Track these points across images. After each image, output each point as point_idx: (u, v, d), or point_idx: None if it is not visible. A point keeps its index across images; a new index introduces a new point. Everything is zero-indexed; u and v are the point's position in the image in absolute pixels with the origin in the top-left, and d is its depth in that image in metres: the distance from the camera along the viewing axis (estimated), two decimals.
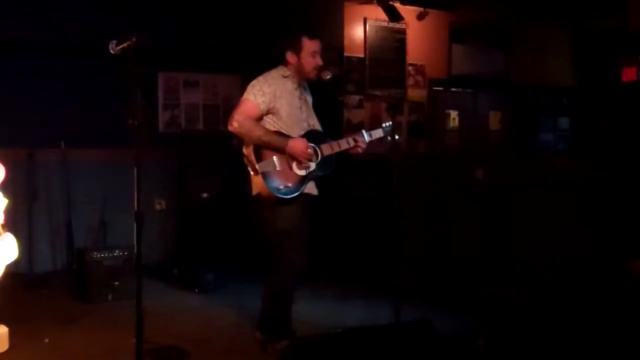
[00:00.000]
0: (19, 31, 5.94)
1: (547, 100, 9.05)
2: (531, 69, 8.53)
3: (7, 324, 4.10)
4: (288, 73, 3.99)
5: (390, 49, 7.51)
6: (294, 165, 3.88)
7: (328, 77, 4.01)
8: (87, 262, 5.22)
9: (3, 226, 4.08)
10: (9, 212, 4.25)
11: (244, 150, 3.91)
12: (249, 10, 6.77)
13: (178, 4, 6.57)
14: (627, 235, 4.38)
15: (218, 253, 6.29)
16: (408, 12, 7.37)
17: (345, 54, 7.18)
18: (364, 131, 4.14)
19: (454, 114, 8.17)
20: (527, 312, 4.68)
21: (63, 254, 6.23)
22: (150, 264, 5.86)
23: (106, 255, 5.27)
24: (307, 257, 3.94)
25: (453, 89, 8.16)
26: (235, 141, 4.38)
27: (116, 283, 5.23)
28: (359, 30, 7.29)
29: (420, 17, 7.55)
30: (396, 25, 7.41)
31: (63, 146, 6.12)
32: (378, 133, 4.16)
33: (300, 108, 4.02)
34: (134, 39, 3.16)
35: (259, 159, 3.81)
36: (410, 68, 7.69)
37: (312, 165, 3.91)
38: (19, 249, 4.12)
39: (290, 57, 3.97)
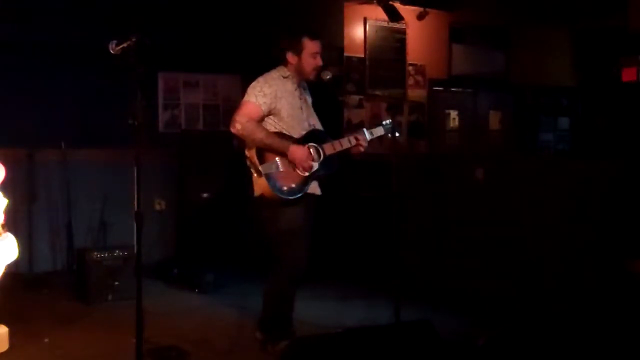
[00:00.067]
0: (19, 31, 5.94)
1: (547, 100, 9.06)
2: (531, 69, 8.54)
3: (7, 324, 4.09)
4: (288, 73, 3.99)
5: (390, 49, 7.52)
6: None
7: (328, 77, 4.01)
8: (87, 262, 5.22)
9: (3, 226, 4.08)
10: (9, 212, 4.25)
11: (247, 152, 3.90)
12: (248, 10, 6.77)
13: (178, 4, 6.56)
14: (627, 235, 4.38)
15: (218, 253, 6.29)
16: (408, 12, 7.37)
17: (345, 54, 7.19)
18: (365, 129, 4.14)
19: (454, 114, 8.17)
20: (527, 312, 4.68)
21: (63, 254, 6.23)
22: (150, 264, 5.86)
23: (106, 255, 5.27)
24: (308, 257, 3.94)
25: (453, 89, 8.17)
26: (236, 142, 4.38)
27: (116, 283, 5.23)
28: (359, 30, 7.30)
29: (420, 17, 7.55)
30: (396, 25, 7.42)
31: (63, 146, 6.12)
32: (379, 131, 4.16)
33: (301, 108, 4.02)
34: (134, 39, 3.15)
35: (262, 160, 3.80)
36: (410, 68, 7.69)
37: (315, 165, 3.92)
38: (19, 249, 4.11)
39: (290, 57, 3.97)
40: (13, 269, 4.49)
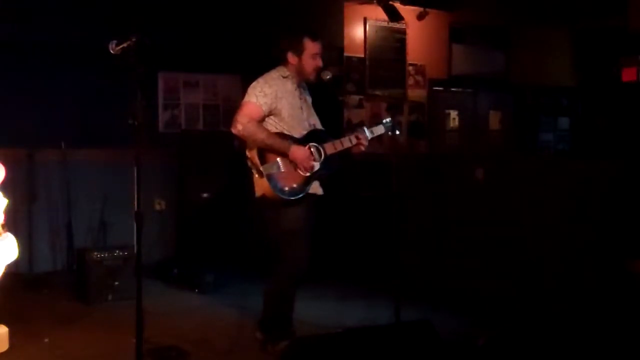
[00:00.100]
0: (19, 31, 5.94)
1: (547, 100, 9.06)
2: (531, 69, 8.54)
3: (7, 324, 4.09)
4: (287, 73, 3.99)
5: (390, 49, 7.52)
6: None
7: (328, 77, 4.01)
8: (87, 262, 5.22)
9: (3, 226, 4.07)
10: (9, 212, 4.25)
11: (248, 153, 3.90)
12: (248, 10, 6.77)
13: (178, 4, 6.56)
14: (627, 235, 4.38)
15: (218, 253, 6.29)
16: (408, 12, 7.38)
17: (345, 54, 7.19)
18: (365, 128, 4.14)
19: (454, 114, 8.17)
20: (527, 312, 4.68)
21: (63, 254, 6.23)
22: (150, 264, 5.86)
23: (106, 255, 5.26)
24: (309, 257, 3.94)
25: (453, 89, 8.17)
26: (237, 142, 4.39)
27: (116, 283, 5.23)
28: (359, 30, 7.30)
29: (420, 17, 7.56)
30: (396, 25, 7.43)
31: (63, 146, 6.12)
32: (379, 129, 4.16)
33: (301, 108, 4.02)
34: (134, 39, 3.15)
35: (263, 161, 3.80)
36: (410, 68, 7.70)
37: (316, 165, 3.92)
38: (19, 249, 4.11)
39: (291, 58, 3.97)
40: (13, 269, 4.49)
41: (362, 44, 7.31)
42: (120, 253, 5.30)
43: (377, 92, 7.37)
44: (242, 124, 3.79)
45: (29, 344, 4.16)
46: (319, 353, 3.36)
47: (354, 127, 6.78)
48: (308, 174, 3.88)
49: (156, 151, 6.22)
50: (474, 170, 5.25)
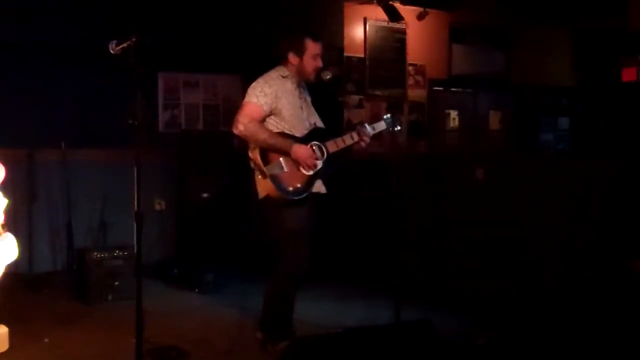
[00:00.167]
0: (19, 31, 5.94)
1: (547, 100, 9.06)
2: (531, 69, 8.54)
3: (7, 324, 4.09)
4: (287, 73, 3.99)
5: (390, 49, 7.52)
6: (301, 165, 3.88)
7: (328, 77, 4.01)
8: (87, 262, 5.22)
9: (3, 226, 4.07)
10: (9, 212, 4.25)
11: (250, 154, 3.90)
12: (248, 10, 6.77)
13: (178, 4, 6.56)
14: (627, 235, 4.38)
15: (218, 253, 6.29)
16: (408, 12, 7.38)
17: (345, 54, 7.19)
18: (366, 124, 4.13)
19: (454, 114, 8.18)
20: (527, 312, 4.68)
21: (63, 254, 6.22)
22: (150, 264, 5.86)
23: (106, 255, 5.27)
24: (310, 257, 3.94)
25: (453, 89, 8.17)
26: (236, 141, 4.39)
27: (116, 283, 5.23)
28: (359, 30, 7.30)
29: (420, 17, 7.56)
30: (396, 25, 7.42)
31: (63, 146, 6.11)
32: (380, 125, 4.15)
33: (301, 107, 4.02)
34: (134, 39, 3.16)
35: (266, 161, 3.80)
36: (410, 68, 7.70)
37: (319, 164, 3.92)
38: (19, 249, 4.11)
39: (292, 58, 3.97)
40: (13, 269, 4.48)
41: (362, 44, 7.31)
42: (120, 253, 5.30)
43: (377, 92, 7.37)
44: (244, 124, 3.79)
45: (29, 344, 4.16)
46: (319, 353, 3.36)
47: (354, 127, 6.79)
48: (311, 173, 3.88)
49: (156, 151, 6.22)
50: (474, 170, 5.24)
